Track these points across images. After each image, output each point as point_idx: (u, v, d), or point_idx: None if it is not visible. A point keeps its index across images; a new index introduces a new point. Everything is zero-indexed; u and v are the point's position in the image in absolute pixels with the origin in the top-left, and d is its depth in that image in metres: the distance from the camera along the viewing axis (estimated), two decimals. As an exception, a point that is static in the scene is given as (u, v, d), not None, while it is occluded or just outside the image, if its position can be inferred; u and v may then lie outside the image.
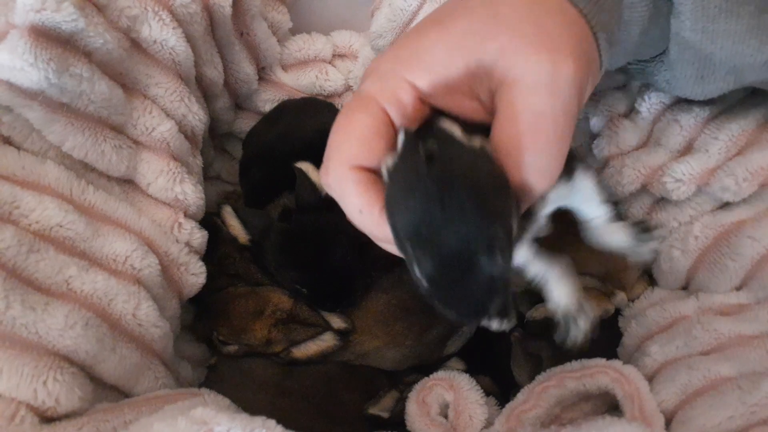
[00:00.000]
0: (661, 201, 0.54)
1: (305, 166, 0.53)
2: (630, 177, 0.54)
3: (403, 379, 0.57)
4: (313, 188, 0.53)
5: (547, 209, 0.40)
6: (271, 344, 0.54)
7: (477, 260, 0.27)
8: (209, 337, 0.57)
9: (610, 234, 0.44)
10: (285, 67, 0.64)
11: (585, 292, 0.54)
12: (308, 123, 0.60)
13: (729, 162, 0.49)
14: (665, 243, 0.53)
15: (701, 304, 0.49)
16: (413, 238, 0.28)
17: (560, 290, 0.45)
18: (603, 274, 0.55)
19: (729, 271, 0.48)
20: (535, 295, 0.60)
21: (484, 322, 0.32)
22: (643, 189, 0.54)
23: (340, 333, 0.54)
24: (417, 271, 0.28)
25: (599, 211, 0.43)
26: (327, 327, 0.54)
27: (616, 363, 0.44)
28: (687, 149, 0.52)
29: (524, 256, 0.42)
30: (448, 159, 0.29)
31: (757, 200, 0.48)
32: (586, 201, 0.43)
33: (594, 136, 0.58)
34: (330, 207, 0.50)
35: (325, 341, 0.54)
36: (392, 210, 0.30)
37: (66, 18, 0.41)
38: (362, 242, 0.40)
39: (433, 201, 0.27)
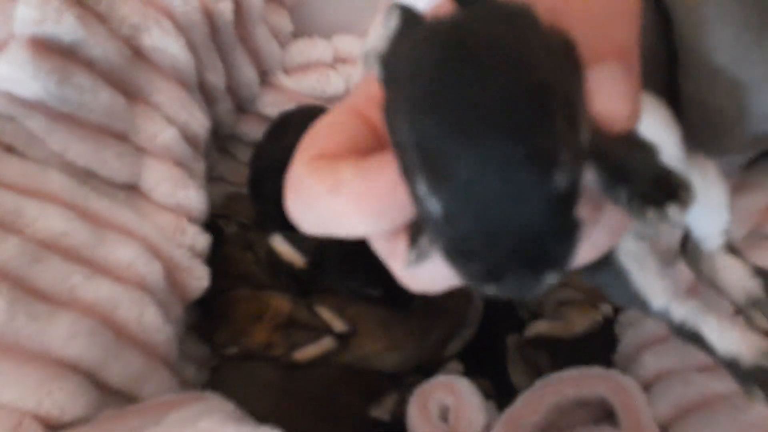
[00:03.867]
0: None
1: None
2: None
3: (404, 380, 0.58)
4: None
5: None
6: (272, 348, 0.54)
7: (531, 169, 0.15)
8: (212, 338, 0.57)
9: (725, 269, 0.32)
10: (287, 71, 0.64)
11: (569, 304, 0.53)
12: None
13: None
14: None
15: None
16: (424, 140, 0.16)
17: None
18: (588, 286, 0.54)
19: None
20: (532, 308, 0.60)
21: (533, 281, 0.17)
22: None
23: (341, 336, 0.54)
24: (428, 199, 0.16)
25: (720, 226, 0.31)
26: (327, 330, 0.54)
27: (614, 373, 0.45)
28: None
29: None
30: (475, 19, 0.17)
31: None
32: (710, 208, 0.31)
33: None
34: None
35: (325, 344, 0.54)
36: (392, 106, 0.18)
37: (67, 29, 0.41)
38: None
39: (457, 73, 0.15)
